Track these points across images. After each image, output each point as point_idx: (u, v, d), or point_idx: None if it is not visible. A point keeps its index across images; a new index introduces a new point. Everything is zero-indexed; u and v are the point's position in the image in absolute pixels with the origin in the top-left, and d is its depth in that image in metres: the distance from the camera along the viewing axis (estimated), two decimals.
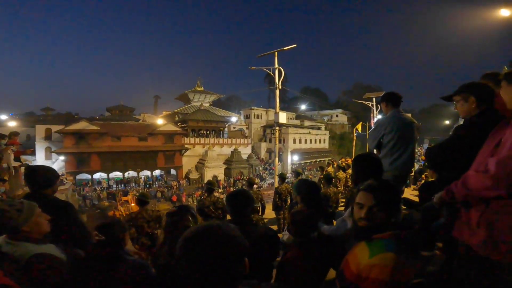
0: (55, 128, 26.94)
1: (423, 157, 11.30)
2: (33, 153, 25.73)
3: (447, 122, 42.84)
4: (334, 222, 2.59)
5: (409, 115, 2.89)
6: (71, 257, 1.46)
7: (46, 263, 1.28)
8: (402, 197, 3.66)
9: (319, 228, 1.91)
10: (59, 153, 24.93)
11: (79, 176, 25.31)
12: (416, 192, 7.37)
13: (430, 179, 6.51)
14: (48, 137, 28.13)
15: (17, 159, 6.22)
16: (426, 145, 16.77)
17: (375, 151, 2.75)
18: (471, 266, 1.29)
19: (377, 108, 18.09)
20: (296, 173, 7.80)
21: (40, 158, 26.92)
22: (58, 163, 25.68)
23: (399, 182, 2.58)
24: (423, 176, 8.65)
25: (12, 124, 29.40)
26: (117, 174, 26.98)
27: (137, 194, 5.07)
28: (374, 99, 18.07)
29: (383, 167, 1.88)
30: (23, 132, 28.69)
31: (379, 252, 1.03)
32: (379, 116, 17.96)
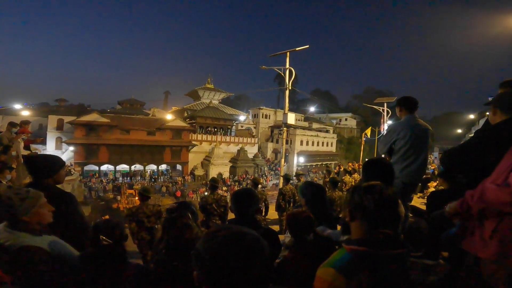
0: (67, 119, 27.43)
1: (433, 165, 11.07)
2: (43, 142, 26.31)
3: (459, 131, 42.04)
4: (339, 227, 2.53)
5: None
6: (65, 253, 1.43)
7: (32, 256, 1.25)
8: (410, 204, 3.55)
9: (319, 230, 1.90)
10: (69, 144, 25.41)
11: (87, 167, 25.74)
12: (422, 200, 7.21)
13: (440, 187, 6.35)
14: (59, 127, 28.71)
15: (27, 147, 6.31)
16: (436, 154, 16.43)
17: (383, 156, 2.67)
18: (478, 279, 1.28)
19: (388, 113, 17.83)
20: (297, 176, 7.71)
21: (50, 148, 27.48)
22: (67, 153, 26.18)
23: (409, 190, 2.49)
24: (429, 184, 8.48)
25: (26, 113, 30.04)
26: (124, 167, 27.35)
27: (139, 189, 5.07)
28: (385, 104, 17.82)
29: (394, 173, 1.81)
30: (36, 122, 29.36)
31: (327, 265, 0.94)
32: (390, 122, 17.72)
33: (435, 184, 8.25)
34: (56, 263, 1.32)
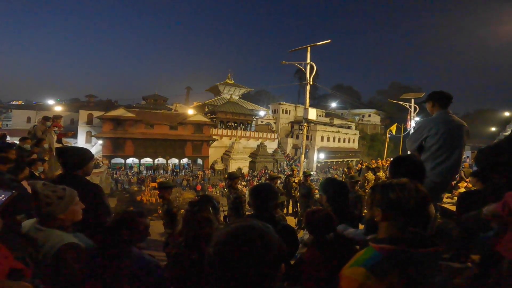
0: (96, 113, 28.94)
1: (466, 164, 10.47)
2: (74, 136, 27.89)
3: (492, 129, 39.25)
4: (361, 226, 2.44)
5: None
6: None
7: (75, 253, 1.26)
8: (439, 205, 3.37)
9: (340, 229, 1.84)
10: (98, 137, 26.79)
11: (113, 160, 26.96)
12: (450, 200, 6.85)
13: (472, 188, 5.98)
14: (89, 121, 30.38)
15: (59, 140, 6.67)
16: (468, 152, 15.40)
17: (409, 153, 2.53)
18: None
19: (415, 109, 16.98)
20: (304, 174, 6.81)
21: (81, 141, 29.15)
22: (96, 147, 27.62)
23: (439, 190, 2.34)
24: (459, 184, 8.04)
25: (58, 108, 31.92)
26: (147, 160, 28.38)
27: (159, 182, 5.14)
28: (412, 100, 16.97)
29: (425, 172, 1.70)
30: (68, 117, 31.19)
31: (356, 264, 0.90)
32: (417, 118, 16.87)
33: (465, 184, 7.81)
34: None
